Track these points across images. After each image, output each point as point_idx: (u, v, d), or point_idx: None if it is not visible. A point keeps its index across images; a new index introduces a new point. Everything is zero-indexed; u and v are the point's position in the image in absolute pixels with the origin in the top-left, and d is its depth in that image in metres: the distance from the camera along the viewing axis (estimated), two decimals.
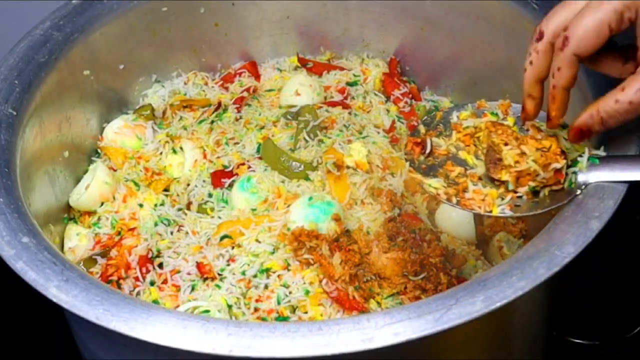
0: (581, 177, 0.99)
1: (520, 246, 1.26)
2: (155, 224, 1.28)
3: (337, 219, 1.19)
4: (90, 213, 1.31)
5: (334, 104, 1.45)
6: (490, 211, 1.01)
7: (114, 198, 1.31)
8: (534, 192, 1.01)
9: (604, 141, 1.03)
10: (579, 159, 1.01)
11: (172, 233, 1.27)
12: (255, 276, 1.17)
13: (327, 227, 1.19)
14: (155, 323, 0.88)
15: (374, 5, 1.52)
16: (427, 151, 1.07)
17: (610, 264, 1.46)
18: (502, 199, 1.01)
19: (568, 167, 1.01)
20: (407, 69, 1.57)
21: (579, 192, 0.99)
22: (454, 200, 1.03)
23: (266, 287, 1.16)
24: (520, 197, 1.01)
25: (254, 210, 1.26)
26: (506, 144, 1.01)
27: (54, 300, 0.92)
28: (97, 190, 1.30)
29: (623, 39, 0.94)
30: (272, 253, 1.19)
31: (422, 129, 1.10)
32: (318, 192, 1.27)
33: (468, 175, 1.04)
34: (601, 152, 1.02)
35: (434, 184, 1.05)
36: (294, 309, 1.14)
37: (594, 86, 1.12)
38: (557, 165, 0.98)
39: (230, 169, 1.35)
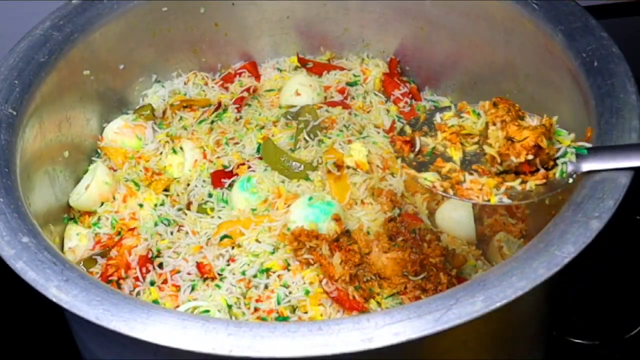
0: (571, 167, 1.03)
1: (520, 246, 1.26)
2: (155, 224, 1.28)
3: (337, 219, 1.19)
4: (90, 213, 1.31)
5: (334, 104, 1.45)
6: (489, 200, 1.03)
7: (114, 198, 1.31)
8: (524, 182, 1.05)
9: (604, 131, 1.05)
10: (568, 150, 1.04)
11: (172, 233, 1.27)
12: (255, 276, 1.17)
13: (327, 227, 1.19)
14: (155, 323, 0.88)
15: (374, 5, 1.52)
16: (417, 149, 1.10)
17: (610, 264, 1.46)
18: (498, 188, 1.04)
19: (557, 158, 1.04)
20: (407, 69, 1.57)
21: (570, 180, 1.02)
22: (451, 191, 1.05)
23: (266, 287, 1.16)
24: (513, 187, 1.04)
25: (254, 210, 1.26)
26: (494, 124, 1.05)
27: (54, 300, 0.92)
28: (97, 190, 1.30)
29: None
30: (272, 253, 1.19)
31: (407, 129, 1.12)
32: (318, 192, 1.27)
33: (459, 170, 1.07)
34: (587, 144, 1.05)
35: (429, 177, 1.07)
36: (294, 309, 1.14)
37: (592, 86, 1.12)
38: (514, 160, 1.02)
39: (230, 169, 1.35)
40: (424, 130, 1.12)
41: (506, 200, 1.03)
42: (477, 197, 1.03)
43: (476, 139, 1.09)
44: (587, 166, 1.02)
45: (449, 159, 1.08)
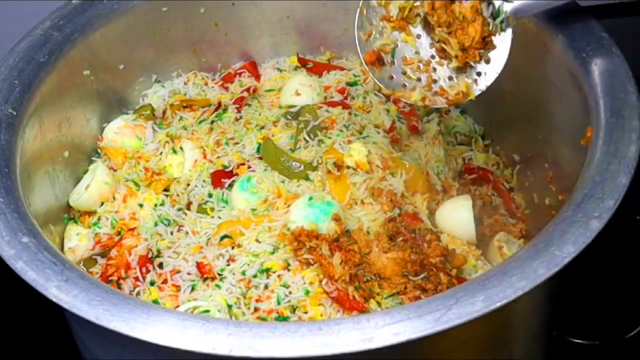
0: (505, 19, 1.12)
1: (520, 246, 1.26)
2: (155, 224, 1.28)
3: (337, 219, 1.19)
4: (90, 213, 1.31)
5: (334, 104, 1.45)
6: (469, 95, 1.15)
7: (114, 198, 1.31)
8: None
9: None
10: (499, 7, 1.12)
11: (172, 233, 1.27)
12: (255, 276, 1.17)
13: (327, 227, 1.19)
14: (155, 323, 0.88)
15: None
16: (386, 61, 1.17)
17: (610, 264, 1.46)
18: (468, 77, 1.13)
19: (495, 17, 1.14)
20: None
21: (509, 32, 1.12)
22: (440, 101, 1.15)
23: (266, 287, 1.16)
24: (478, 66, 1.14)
25: (254, 210, 1.26)
26: (439, 26, 1.13)
27: (54, 300, 0.92)
28: (97, 190, 1.30)
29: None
30: (272, 253, 1.19)
31: (361, 35, 1.17)
32: (318, 192, 1.27)
33: (424, 62, 1.16)
34: None
35: (416, 96, 1.16)
36: (294, 309, 1.14)
37: (592, 86, 1.12)
38: (472, 63, 1.13)
39: (230, 169, 1.35)
40: (373, 25, 1.17)
41: (480, 88, 1.14)
42: (462, 98, 1.15)
43: (417, 12, 1.16)
44: (522, 10, 1.12)
45: (410, 51, 1.16)
